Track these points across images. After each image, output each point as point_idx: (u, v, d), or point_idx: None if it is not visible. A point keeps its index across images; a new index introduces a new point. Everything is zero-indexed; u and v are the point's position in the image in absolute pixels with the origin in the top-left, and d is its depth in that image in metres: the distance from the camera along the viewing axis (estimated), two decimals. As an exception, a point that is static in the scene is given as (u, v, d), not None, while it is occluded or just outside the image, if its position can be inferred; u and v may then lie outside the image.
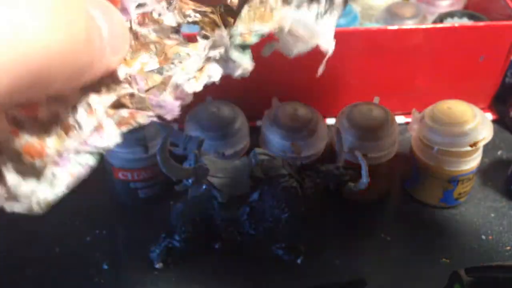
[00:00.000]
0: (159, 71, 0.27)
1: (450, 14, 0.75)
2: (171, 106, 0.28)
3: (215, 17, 0.29)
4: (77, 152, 0.25)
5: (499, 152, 0.69)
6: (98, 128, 0.26)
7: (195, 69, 0.28)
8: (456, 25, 0.67)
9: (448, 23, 0.74)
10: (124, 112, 0.27)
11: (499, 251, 0.57)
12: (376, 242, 0.58)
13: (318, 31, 0.30)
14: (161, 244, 0.53)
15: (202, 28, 0.29)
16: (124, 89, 0.26)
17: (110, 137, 0.26)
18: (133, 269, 0.55)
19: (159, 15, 0.27)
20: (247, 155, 0.50)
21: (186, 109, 0.68)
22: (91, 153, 0.26)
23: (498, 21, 0.68)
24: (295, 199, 0.49)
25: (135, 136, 0.57)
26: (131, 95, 0.27)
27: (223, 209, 0.50)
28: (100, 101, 0.26)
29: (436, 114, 0.58)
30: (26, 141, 0.23)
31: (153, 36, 0.27)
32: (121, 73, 0.26)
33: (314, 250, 0.56)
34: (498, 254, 0.57)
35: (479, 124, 0.56)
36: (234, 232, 0.51)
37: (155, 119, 0.28)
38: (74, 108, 0.25)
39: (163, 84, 0.28)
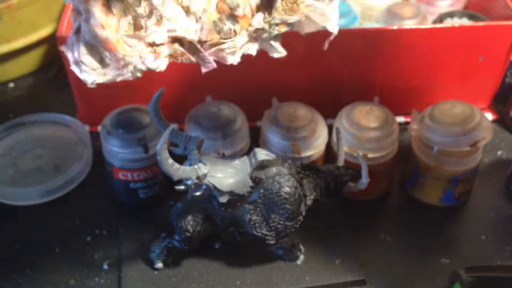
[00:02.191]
0: (220, 29, 0.35)
1: (450, 14, 0.75)
2: (209, 63, 0.36)
3: None
4: (135, 66, 0.35)
5: (499, 152, 0.69)
6: (155, 53, 0.35)
7: (241, 44, 0.36)
8: (456, 25, 0.67)
9: (448, 23, 0.74)
10: (178, 49, 0.35)
11: (499, 251, 0.57)
12: (376, 242, 0.58)
13: (329, 16, 0.36)
14: (161, 244, 0.53)
15: None
16: (189, 34, 0.35)
17: (160, 62, 0.35)
18: (133, 269, 0.55)
19: None
20: (247, 155, 0.50)
21: (186, 109, 0.68)
22: (140, 69, 0.35)
23: (498, 21, 0.68)
24: (295, 199, 0.49)
25: (135, 136, 0.57)
26: (190, 43, 0.35)
27: (223, 209, 0.50)
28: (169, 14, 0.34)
29: (436, 114, 0.58)
30: (107, 37, 0.33)
31: None
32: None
33: (314, 250, 0.56)
34: (498, 254, 0.57)
35: (479, 124, 0.56)
36: (234, 232, 0.51)
37: (194, 61, 0.36)
38: (150, 14, 0.34)
39: (217, 44, 0.35)
